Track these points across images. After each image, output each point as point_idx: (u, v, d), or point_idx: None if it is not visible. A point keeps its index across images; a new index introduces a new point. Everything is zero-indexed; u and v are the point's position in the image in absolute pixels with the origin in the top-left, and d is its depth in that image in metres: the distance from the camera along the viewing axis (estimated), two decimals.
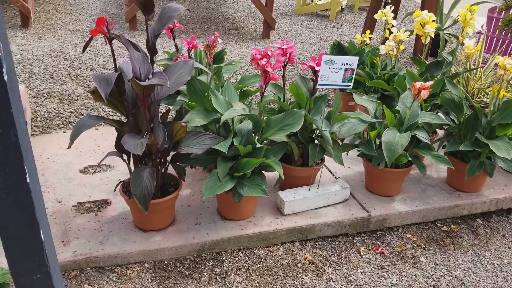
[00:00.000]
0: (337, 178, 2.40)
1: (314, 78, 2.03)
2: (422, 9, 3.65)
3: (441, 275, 1.90)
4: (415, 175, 2.47)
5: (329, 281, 1.82)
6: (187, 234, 1.90)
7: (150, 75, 1.67)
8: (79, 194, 2.13)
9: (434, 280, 1.87)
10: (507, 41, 4.20)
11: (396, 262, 1.97)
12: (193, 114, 1.89)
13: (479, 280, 1.90)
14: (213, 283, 1.76)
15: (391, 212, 2.15)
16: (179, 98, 2.15)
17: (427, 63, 2.64)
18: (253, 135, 1.94)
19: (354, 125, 2.12)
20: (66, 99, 3.03)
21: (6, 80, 0.86)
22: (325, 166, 2.51)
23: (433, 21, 2.48)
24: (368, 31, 3.04)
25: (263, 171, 1.96)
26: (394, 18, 3.33)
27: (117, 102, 1.75)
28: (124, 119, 1.82)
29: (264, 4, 4.66)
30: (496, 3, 4.46)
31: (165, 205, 1.86)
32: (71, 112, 2.91)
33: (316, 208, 2.12)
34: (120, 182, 1.91)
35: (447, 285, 1.86)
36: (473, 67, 2.81)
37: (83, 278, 1.71)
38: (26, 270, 1.02)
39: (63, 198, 2.10)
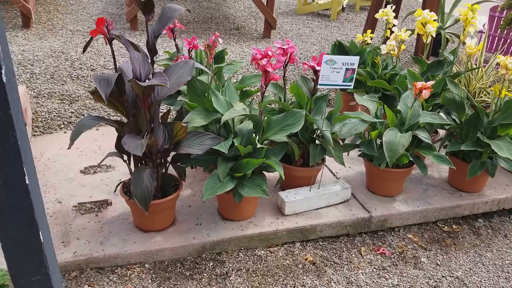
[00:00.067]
0: (338, 178, 2.39)
1: (315, 78, 2.02)
2: (424, 8, 3.64)
3: (443, 276, 1.90)
4: (416, 175, 2.47)
5: (330, 282, 1.81)
6: (188, 234, 1.89)
7: (151, 76, 1.67)
8: (80, 195, 2.13)
9: (436, 281, 1.87)
10: (509, 40, 4.18)
11: (397, 262, 1.96)
12: (194, 114, 1.88)
13: (480, 281, 1.89)
14: (214, 284, 1.76)
15: (392, 212, 2.14)
16: (179, 98, 2.15)
17: (429, 62, 2.63)
18: (254, 135, 1.94)
19: (355, 125, 2.11)
20: (67, 100, 3.03)
21: (4, 81, 0.86)
22: (326, 166, 2.50)
23: (434, 20, 2.48)
24: (369, 31, 3.03)
25: (263, 172, 1.96)
26: (395, 17, 3.32)
27: (118, 103, 1.75)
28: (124, 120, 1.82)
29: (265, 3, 4.65)
30: (498, 2, 4.45)
31: (166, 206, 1.85)
32: (72, 112, 2.91)
33: (317, 209, 2.11)
34: (121, 182, 1.91)
35: (449, 286, 1.85)
36: (475, 66, 2.80)
37: (83, 278, 1.70)
38: (25, 271, 1.01)
39: (64, 199, 2.10)
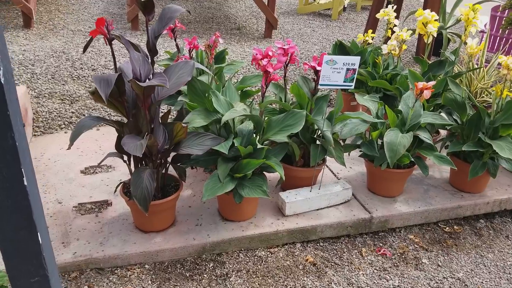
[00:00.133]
0: (339, 179, 2.38)
1: (315, 78, 2.02)
2: (425, 8, 3.63)
3: (444, 277, 1.89)
4: (417, 175, 2.46)
5: (331, 283, 1.81)
6: (188, 235, 1.89)
7: (151, 76, 1.67)
8: (80, 195, 2.13)
9: (437, 282, 1.86)
10: (510, 40, 4.17)
11: (398, 263, 1.95)
12: (194, 114, 1.88)
13: (482, 282, 1.88)
14: (214, 284, 1.75)
15: (393, 213, 2.13)
16: (180, 98, 2.15)
17: (430, 62, 2.62)
18: (254, 135, 1.93)
19: (356, 125, 2.10)
20: (67, 100, 3.03)
21: (3, 82, 0.86)
22: (327, 166, 2.49)
23: (435, 20, 2.47)
24: (370, 31, 3.02)
25: (264, 172, 1.95)
26: (397, 17, 3.31)
27: (118, 103, 1.75)
28: (125, 120, 1.81)
29: (266, 3, 4.65)
30: (500, 2, 4.43)
31: (166, 206, 1.85)
32: (72, 112, 2.91)
33: (317, 209, 2.10)
34: (121, 183, 1.90)
35: (450, 287, 1.84)
36: (476, 66, 2.79)
37: (83, 279, 1.70)
38: (24, 273, 1.01)
39: (64, 199, 2.09)
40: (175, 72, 1.73)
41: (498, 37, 4.35)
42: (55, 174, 2.30)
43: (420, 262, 1.97)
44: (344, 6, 6.32)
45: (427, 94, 1.96)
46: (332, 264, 1.91)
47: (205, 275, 1.78)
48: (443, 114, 2.42)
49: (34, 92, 3.04)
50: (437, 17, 2.47)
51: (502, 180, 2.46)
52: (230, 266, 1.84)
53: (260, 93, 2.12)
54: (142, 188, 1.68)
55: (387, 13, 2.83)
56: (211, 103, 1.90)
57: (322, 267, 1.89)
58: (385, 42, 2.85)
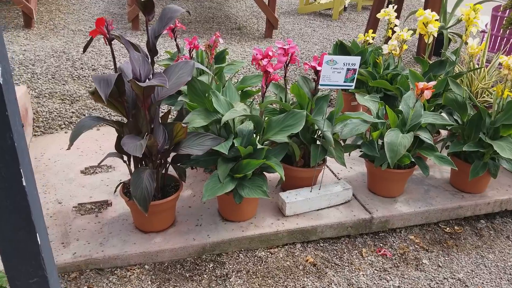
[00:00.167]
0: (339, 179, 2.38)
1: (316, 78, 2.01)
2: (426, 8, 3.62)
3: (444, 278, 1.88)
4: (418, 175, 2.45)
5: (331, 284, 1.80)
6: (188, 235, 1.89)
7: (151, 76, 1.66)
8: (80, 195, 2.13)
9: (437, 283, 1.85)
10: (511, 40, 4.16)
11: (398, 264, 1.95)
12: (194, 114, 1.87)
13: (482, 283, 1.87)
14: (214, 285, 1.75)
15: (394, 213, 2.13)
16: (180, 98, 2.14)
17: (430, 62, 2.62)
18: (254, 136, 1.93)
19: (356, 125, 2.10)
20: (68, 100, 3.03)
21: (1, 82, 0.85)
22: (327, 166, 2.49)
23: (436, 20, 2.46)
24: (370, 31, 3.02)
25: (264, 172, 1.95)
26: (397, 17, 3.31)
27: (117, 103, 1.75)
28: (125, 120, 1.81)
29: (267, 3, 4.64)
30: (501, 2, 4.43)
31: (166, 207, 1.84)
32: (72, 112, 2.91)
33: (317, 210, 2.10)
34: (120, 183, 1.90)
35: (450, 287, 1.84)
36: (477, 66, 2.78)
37: (82, 280, 1.70)
38: (23, 274, 1.01)
39: (64, 199, 2.09)
40: (175, 72, 1.73)
41: (499, 37, 4.34)
42: (55, 174, 2.30)
43: (421, 262, 1.97)
44: (344, 6, 6.32)
45: (427, 94, 1.96)
46: (332, 264, 1.91)
47: (205, 276, 1.78)
48: (443, 114, 2.41)
49: (35, 92, 3.03)
50: (437, 17, 2.47)
51: (503, 180, 2.46)
52: (230, 266, 1.84)
53: (260, 93, 2.11)
54: (142, 189, 1.67)
55: (387, 13, 2.83)
56: (211, 103, 1.89)
57: (322, 267, 1.88)
58: (386, 42, 2.84)
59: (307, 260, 1.91)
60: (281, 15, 5.94)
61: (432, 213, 2.19)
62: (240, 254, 1.91)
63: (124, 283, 1.71)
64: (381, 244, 2.06)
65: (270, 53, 1.86)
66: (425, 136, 2.07)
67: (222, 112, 1.87)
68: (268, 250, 1.95)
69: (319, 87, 1.95)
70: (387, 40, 2.92)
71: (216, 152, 1.88)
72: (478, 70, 2.80)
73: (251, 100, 2.39)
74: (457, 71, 2.82)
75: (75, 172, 2.33)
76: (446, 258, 2.01)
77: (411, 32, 2.70)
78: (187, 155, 1.88)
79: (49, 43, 3.92)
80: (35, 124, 2.77)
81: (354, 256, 1.97)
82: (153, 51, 1.75)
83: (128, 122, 1.76)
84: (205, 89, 1.94)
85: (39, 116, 2.82)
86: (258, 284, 1.77)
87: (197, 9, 5.79)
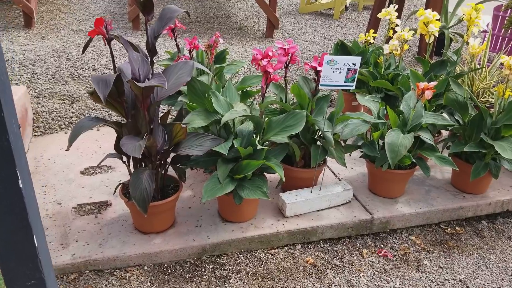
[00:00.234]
0: (340, 180, 2.37)
1: (316, 78, 2.00)
2: (427, 7, 3.60)
3: (445, 279, 1.87)
4: (419, 176, 2.44)
5: (331, 285, 1.79)
6: (187, 236, 1.88)
7: (150, 76, 1.66)
8: (79, 196, 2.12)
9: (438, 284, 1.84)
10: None
11: (399, 265, 1.94)
12: (194, 115, 1.87)
13: (484, 284, 1.86)
14: (213, 286, 1.74)
15: (395, 214, 2.11)
16: (180, 98, 2.14)
17: (432, 62, 2.61)
18: (254, 136, 1.92)
19: (357, 126, 2.09)
20: (68, 100, 3.02)
21: None
22: (328, 167, 2.48)
23: (437, 20, 2.45)
24: (371, 30, 3.01)
25: (264, 173, 1.94)
26: (399, 17, 3.29)
27: (117, 103, 1.74)
28: (124, 120, 1.80)
29: (268, 3, 4.63)
30: (502, 1, 4.41)
31: (165, 207, 1.84)
32: (72, 112, 2.90)
33: (318, 210, 2.09)
34: (120, 184, 1.89)
35: None
36: (478, 66, 2.77)
37: (81, 281, 1.69)
38: (20, 276, 1.00)
39: (63, 200, 2.08)
40: (174, 73, 1.72)
41: (501, 37, 4.32)
42: (55, 174, 2.29)
43: (422, 263, 1.96)
44: (346, 5, 6.30)
45: (428, 94, 1.95)
46: (333, 265, 1.90)
47: (205, 277, 1.77)
48: (444, 114, 2.40)
49: (35, 92, 3.03)
50: (438, 17, 2.45)
51: (504, 181, 2.44)
52: (230, 267, 1.83)
53: (260, 93, 2.10)
54: (141, 190, 1.67)
55: (388, 12, 2.82)
56: (211, 104, 1.88)
57: (323, 268, 1.87)
58: (387, 42, 2.83)
59: (308, 261, 1.90)
60: (282, 14, 5.93)
61: (433, 213, 2.18)
62: (240, 255, 1.90)
63: (123, 284, 1.70)
64: (382, 245, 2.05)
65: (270, 53, 1.85)
66: (426, 136, 2.06)
67: (222, 112, 1.86)
68: (268, 251, 1.94)
69: (320, 87, 1.94)
70: (388, 40, 2.91)
71: (216, 153, 1.87)
72: (480, 70, 2.79)
73: (251, 100, 2.38)
74: (458, 71, 2.81)
75: (75, 172, 2.32)
76: (447, 259, 2.00)
77: (412, 32, 2.68)
78: (186, 156, 1.88)
79: (49, 43, 3.91)
80: (35, 124, 2.76)
81: (355, 257, 1.96)
82: (152, 51, 1.74)
83: (127, 122, 1.75)
84: (205, 90, 1.93)
85: (39, 116, 2.82)
86: (258, 286, 1.76)
87: (198, 8, 5.78)
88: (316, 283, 1.79)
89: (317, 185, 2.14)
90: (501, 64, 2.39)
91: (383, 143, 2.00)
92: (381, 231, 2.12)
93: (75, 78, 3.29)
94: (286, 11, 6.17)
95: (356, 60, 1.88)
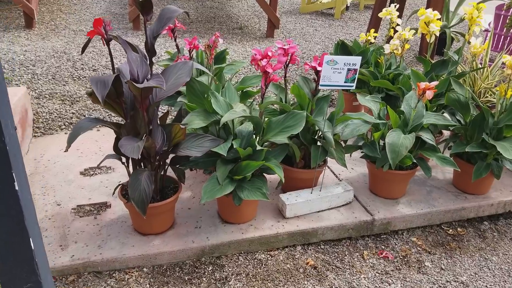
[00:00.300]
0: (340, 180, 2.35)
1: (316, 78, 1.99)
2: (428, 7, 3.59)
3: (447, 281, 1.86)
4: (420, 176, 2.42)
5: (332, 287, 1.78)
6: (187, 238, 1.87)
7: (149, 77, 1.65)
8: (79, 197, 2.11)
9: (440, 286, 1.83)
10: None
11: (400, 267, 1.92)
12: (193, 116, 1.86)
13: (486, 286, 1.85)
14: None
15: (396, 215, 2.10)
16: (179, 99, 2.12)
17: (433, 62, 2.59)
18: (254, 137, 1.91)
19: (358, 126, 2.07)
20: (68, 100, 3.02)
21: None
22: (328, 167, 2.47)
23: (438, 19, 2.43)
24: (372, 30, 2.99)
25: (264, 174, 1.93)
26: (399, 16, 3.28)
27: (115, 104, 1.73)
28: (124, 121, 1.79)
29: (268, 3, 4.62)
30: (504, 0, 4.39)
31: (164, 209, 1.83)
32: (73, 113, 2.90)
33: (318, 211, 2.08)
34: (119, 185, 1.88)
35: None
36: (480, 66, 2.75)
37: (80, 283, 1.68)
38: (16, 279, 0.99)
39: (63, 201, 2.08)
40: (173, 73, 1.71)
41: (503, 36, 4.30)
42: (55, 175, 2.29)
43: (423, 265, 1.94)
44: (347, 5, 6.29)
45: (429, 94, 1.93)
46: (333, 267, 1.89)
47: (204, 279, 1.76)
48: (446, 114, 2.39)
49: (35, 92, 3.02)
50: (439, 16, 2.44)
51: (506, 181, 2.43)
52: (230, 269, 1.82)
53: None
54: (140, 191, 1.66)
55: (389, 12, 2.80)
56: (210, 104, 1.87)
57: (323, 270, 1.86)
58: (388, 42, 2.82)
59: (308, 262, 1.89)
60: (282, 14, 5.91)
61: (435, 214, 2.17)
62: (239, 257, 1.89)
63: (122, 286, 1.69)
64: (383, 247, 2.04)
65: (270, 53, 1.84)
66: (427, 136, 2.05)
67: (221, 113, 1.85)
68: (268, 253, 1.93)
69: (320, 87, 1.93)
70: (389, 39, 2.90)
71: (215, 153, 1.86)
72: (481, 69, 2.77)
73: (251, 100, 2.37)
74: (460, 71, 2.79)
75: (75, 173, 2.32)
76: (449, 261, 1.98)
77: (413, 31, 2.67)
78: (186, 157, 1.87)
79: (50, 44, 3.91)
80: (35, 125, 2.76)
81: (355, 259, 1.95)
82: (151, 51, 1.73)
83: (126, 123, 1.74)
84: (204, 90, 1.92)
85: (39, 117, 2.81)
86: (258, 287, 1.75)
87: (199, 8, 5.77)
88: (317, 285, 1.78)
89: (317, 186, 2.13)
90: (503, 63, 2.37)
91: (384, 144, 1.99)
92: (382, 232, 2.11)
93: (75, 78, 3.29)
94: (286, 11, 6.15)
95: (356, 60, 1.86)
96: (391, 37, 2.76)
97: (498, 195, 2.30)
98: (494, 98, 2.65)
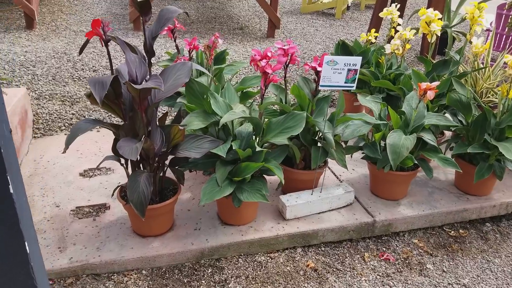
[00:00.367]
0: (341, 181, 2.34)
1: (316, 79, 1.97)
2: (429, 6, 3.57)
3: (449, 283, 1.84)
4: (421, 177, 2.41)
5: None
6: (186, 240, 1.85)
7: (147, 78, 1.63)
8: (78, 198, 2.10)
9: None
10: None
11: (401, 269, 1.90)
12: (192, 117, 1.84)
13: None
14: None
15: (397, 216, 2.08)
16: (179, 99, 2.11)
17: (434, 62, 2.57)
18: (254, 138, 1.90)
19: (358, 127, 2.06)
20: (68, 101, 3.01)
21: None
22: (329, 168, 2.45)
23: (439, 18, 2.41)
24: (373, 30, 2.97)
25: (264, 175, 1.91)
26: (400, 16, 3.26)
27: (114, 105, 1.72)
28: (122, 122, 1.78)
29: (269, 3, 4.60)
30: (505, 0, 4.36)
31: (163, 210, 1.81)
32: (72, 114, 2.89)
33: (319, 213, 2.06)
34: (118, 186, 1.87)
35: None
36: (482, 66, 2.73)
37: (78, 285, 1.67)
38: (12, 284, 0.98)
39: (62, 202, 2.07)
40: (172, 74, 1.70)
41: (504, 36, 4.28)
42: (54, 176, 2.28)
43: (425, 267, 1.92)
44: (347, 5, 6.27)
45: (430, 94, 1.92)
46: (334, 269, 1.87)
47: (203, 281, 1.75)
48: (447, 115, 2.37)
49: (35, 93, 3.02)
50: (440, 16, 2.42)
51: (509, 182, 2.41)
52: (229, 271, 1.81)
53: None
54: (138, 193, 1.64)
55: (390, 12, 2.78)
56: (209, 105, 1.86)
57: (324, 272, 1.85)
58: (389, 41, 2.80)
59: (308, 265, 1.88)
60: (283, 14, 5.90)
61: (436, 216, 2.15)
62: (239, 259, 1.87)
63: None
64: (384, 249, 2.02)
65: (269, 54, 1.82)
66: (428, 137, 2.03)
67: (220, 114, 1.84)
68: (268, 255, 1.91)
69: (320, 88, 1.91)
70: (390, 39, 2.88)
71: (215, 155, 1.85)
72: (483, 69, 2.75)
73: (251, 101, 2.36)
74: (461, 71, 2.77)
75: (74, 174, 2.31)
76: (451, 263, 1.96)
77: (414, 31, 2.65)
78: (185, 158, 1.85)
79: (50, 44, 3.91)
80: (35, 126, 2.75)
81: (356, 261, 1.93)
82: (150, 52, 1.72)
83: (125, 124, 1.73)
84: (204, 91, 1.91)
85: (39, 118, 2.80)
86: None
87: (199, 9, 5.76)
88: None
89: (317, 187, 2.12)
90: (505, 63, 2.35)
91: (385, 144, 1.97)
92: (383, 234, 2.09)
93: (75, 79, 3.28)
94: (287, 11, 6.14)
95: (357, 60, 1.85)
96: (392, 37, 2.75)
97: (501, 196, 2.28)
98: (496, 98, 2.63)
